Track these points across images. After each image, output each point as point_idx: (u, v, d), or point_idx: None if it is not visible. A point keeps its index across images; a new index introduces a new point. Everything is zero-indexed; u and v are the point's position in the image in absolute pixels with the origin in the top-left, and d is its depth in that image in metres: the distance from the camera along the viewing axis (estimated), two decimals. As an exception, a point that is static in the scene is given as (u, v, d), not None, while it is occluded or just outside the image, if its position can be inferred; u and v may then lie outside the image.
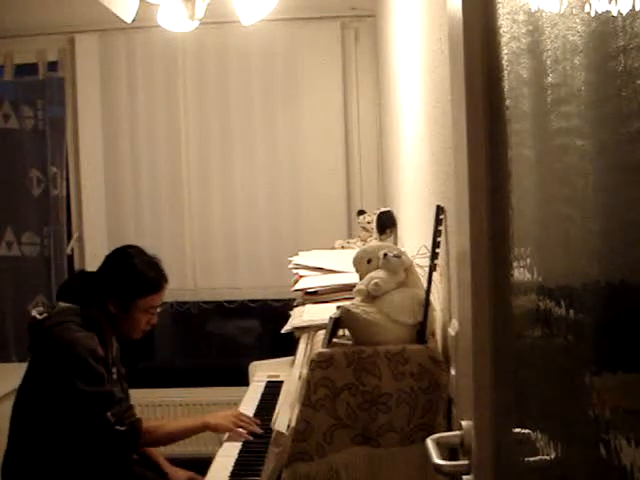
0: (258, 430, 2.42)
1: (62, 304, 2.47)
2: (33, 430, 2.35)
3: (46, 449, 2.33)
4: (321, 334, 1.72)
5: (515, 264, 1.00)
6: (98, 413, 2.26)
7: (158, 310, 2.55)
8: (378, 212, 2.98)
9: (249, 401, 2.85)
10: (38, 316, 2.43)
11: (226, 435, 2.45)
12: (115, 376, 2.50)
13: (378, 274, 1.65)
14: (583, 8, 0.72)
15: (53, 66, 4.22)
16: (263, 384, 3.00)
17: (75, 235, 4.29)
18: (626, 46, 0.61)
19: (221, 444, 2.53)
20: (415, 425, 1.57)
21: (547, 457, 0.87)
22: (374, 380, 1.57)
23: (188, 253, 4.21)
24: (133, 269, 2.48)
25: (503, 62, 1.04)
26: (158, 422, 2.66)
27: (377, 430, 1.57)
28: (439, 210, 1.57)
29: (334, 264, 2.51)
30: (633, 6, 0.60)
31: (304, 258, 2.79)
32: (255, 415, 2.69)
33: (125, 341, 2.63)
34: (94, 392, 2.26)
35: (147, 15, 3.01)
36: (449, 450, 1.29)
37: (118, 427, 2.27)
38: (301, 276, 2.49)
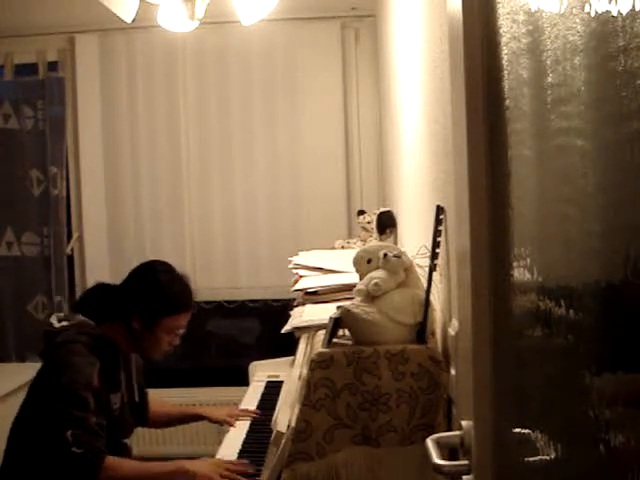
0: (249, 470, 2.22)
1: (80, 317, 2.38)
2: (22, 438, 2.30)
3: (26, 463, 2.28)
4: (321, 334, 1.72)
5: (515, 264, 1.00)
6: (58, 430, 2.13)
7: (182, 332, 2.44)
8: (378, 212, 2.98)
9: (249, 401, 2.86)
10: (56, 324, 2.37)
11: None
12: (117, 405, 2.38)
13: (378, 274, 1.65)
14: (583, 8, 0.72)
15: (53, 66, 4.22)
16: (263, 384, 3.00)
17: (75, 235, 4.29)
18: (626, 46, 0.61)
19: (220, 443, 2.53)
20: (415, 425, 1.57)
21: (547, 457, 0.87)
22: (374, 380, 1.57)
23: (188, 253, 4.21)
24: (162, 286, 2.37)
25: (503, 62, 1.04)
26: (126, 460, 2.37)
27: (377, 430, 1.57)
28: (439, 210, 1.57)
29: (334, 264, 2.51)
30: (633, 6, 0.60)
31: (304, 258, 2.79)
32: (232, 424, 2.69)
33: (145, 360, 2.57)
34: (64, 411, 2.15)
35: (147, 15, 3.01)
36: (449, 450, 1.29)
37: (75, 449, 2.11)
38: (301, 276, 2.49)
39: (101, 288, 2.54)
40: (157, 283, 2.39)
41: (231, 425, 2.66)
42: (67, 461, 2.15)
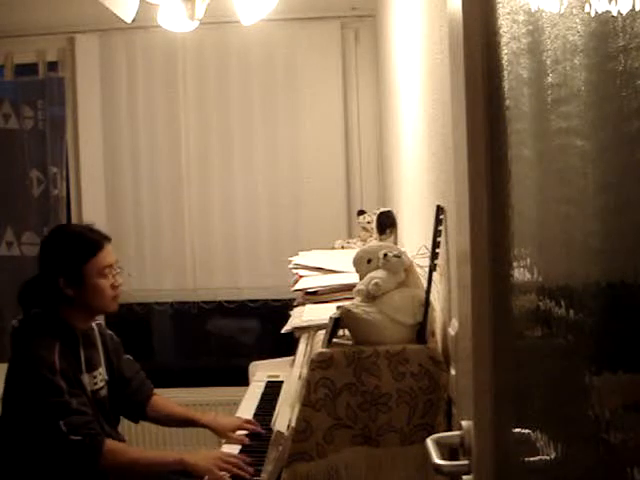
0: (245, 474, 2.18)
1: (33, 310, 2.38)
2: (9, 441, 2.30)
3: (20, 461, 2.27)
4: (321, 334, 1.72)
5: (515, 264, 1.00)
6: (50, 422, 2.15)
7: (117, 271, 2.39)
8: (378, 212, 2.98)
9: (249, 401, 2.85)
10: (15, 324, 2.37)
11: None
12: (98, 382, 2.38)
13: (378, 274, 1.65)
14: (583, 8, 0.72)
15: (53, 66, 4.22)
16: (263, 384, 3.00)
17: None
18: (626, 46, 0.61)
19: (220, 444, 2.53)
20: (415, 425, 1.57)
21: (547, 457, 0.87)
22: (374, 380, 1.57)
23: (188, 253, 4.20)
24: (65, 238, 2.38)
25: (503, 62, 1.04)
26: (126, 446, 2.40)
27: (377, 430, 1.57)
28: (439, 210, 1.57)
29: (334, 264, 2.51)
30: (633, 6, 0.60)
31: (304, 258, 2.79)
32: (255, 415, 2.68)
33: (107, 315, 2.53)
34: (45, 402, 2.16)
35: (147, 15, 3.01)
36: (449, 450, 1.29)
37: (72, 437, 2.13)
38: (301, 276, 2.49)
39: (29, 282, 2.49)
40: (61, 239, 2.40)
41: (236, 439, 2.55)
42: (67, 450, 2.15)
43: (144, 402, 2.61)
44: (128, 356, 2.63)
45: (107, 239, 2.39)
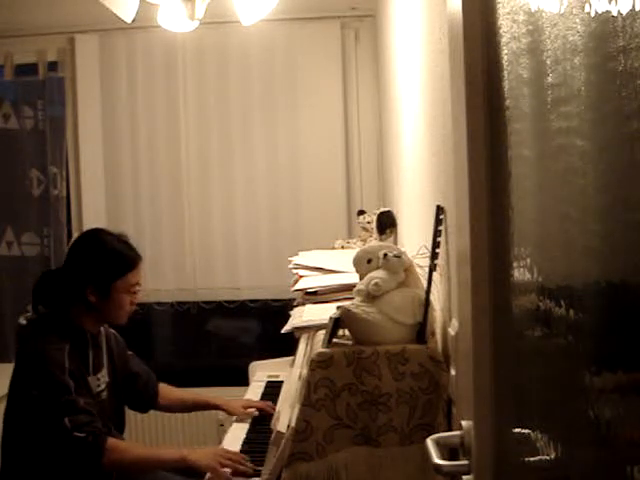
0: (247, 469, 2.19)
1: (41, 309, 2.40)
2: (14, 438, 2.32)
3: (25, 458, 2.29)
4: (321, 334, 1.72)
5: (515, 264, 1.00)
6: (55, 419, 2.17)
7: (139, 288, 2.45)
8: (378, 212, 2.98)
9: (249, 401, 2.85)
10: (23, 322, 2.40)
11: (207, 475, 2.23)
12: (101, 384, 2.41)
13: (378, 274, 1.65)
14: (583, 8, 0.72)
15: (53, 66, 4.22)
16: (263, 384, 3.01)
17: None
18: (626, 46, 0.61)
19: (221, 442, 2.53)
20: (415, 425, 1.57)
21: (547, 457, 0.87)
22: (374, 380, 1.57)
23: (188, 253, 4.20)
24: (105, 250, 2.38)
25: (503, 62, 1.04)
26: (129, 443, 2.46)
27: (377, 430, 1.57)
28: (439, 210, 1.57)
29: (334, 264, 2.51)
30: (633, 6, 0.60)
31: (304, 258, 2.79)
32: (254, 416, 2.69)
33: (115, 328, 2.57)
34: (53, 399, 2.19)
35: (147, 15, 3.01)
36: (449, 450, 1.29)
37: (76, 433, 2.16)
38: (301, 276, 2.49)
39: (48, 275, 2.52)
40: (99, 249, 2.40)
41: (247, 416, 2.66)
42: (70, 447, 2.18)
43: (155, 393, 2.67)
44: (130, 352, 2.66)
45: (140, 258, 2.45)
